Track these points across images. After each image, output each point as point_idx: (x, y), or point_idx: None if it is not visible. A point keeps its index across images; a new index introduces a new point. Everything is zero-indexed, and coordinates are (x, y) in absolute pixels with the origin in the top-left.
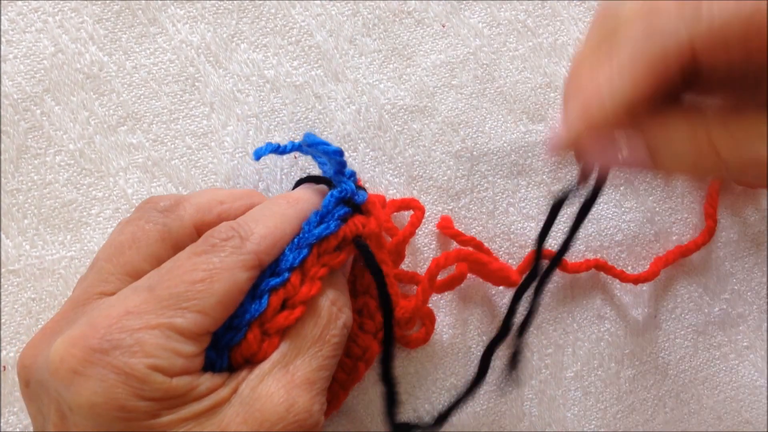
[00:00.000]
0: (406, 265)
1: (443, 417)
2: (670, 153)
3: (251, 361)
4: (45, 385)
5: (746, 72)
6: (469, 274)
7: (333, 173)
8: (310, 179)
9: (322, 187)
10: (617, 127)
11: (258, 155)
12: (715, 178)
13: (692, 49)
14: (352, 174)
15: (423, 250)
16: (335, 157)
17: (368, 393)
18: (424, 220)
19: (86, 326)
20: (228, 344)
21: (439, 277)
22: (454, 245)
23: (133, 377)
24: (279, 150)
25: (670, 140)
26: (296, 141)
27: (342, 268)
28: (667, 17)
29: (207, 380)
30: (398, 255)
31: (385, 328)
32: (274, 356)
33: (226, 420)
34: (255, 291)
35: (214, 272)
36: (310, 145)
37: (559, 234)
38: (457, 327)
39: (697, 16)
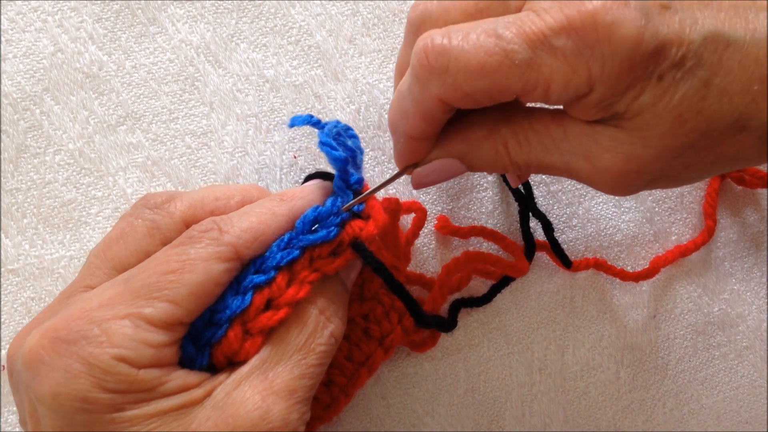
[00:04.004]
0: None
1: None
2: (478, 159)
3: (233, 361)
4: (20, 376)
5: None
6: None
7: (335, 179)
8: (319, 175)
9: (328, 184)
10: (428, 147)
11: (293, 123)
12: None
13: (442, 101)
14: (359, 180)
15: (423, 250)
16: (336, 164)
17: (368, 394)
18: None
19: (59, 318)
20: (209, 341)
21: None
22: (455, 242)
23: (97, 368)
24: (319, 125)
25: (478, 151)
26: (339, 121)
27: (343, 274)
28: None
29: (179, 377)
30: (404, 257)
31: (407, 306)
32: (254, 361)
33: (195, 423)
34: (238, 287)
35: (187, 263)
36: (322, 143)
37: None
38: (457, 327)
39: (443, 81)
